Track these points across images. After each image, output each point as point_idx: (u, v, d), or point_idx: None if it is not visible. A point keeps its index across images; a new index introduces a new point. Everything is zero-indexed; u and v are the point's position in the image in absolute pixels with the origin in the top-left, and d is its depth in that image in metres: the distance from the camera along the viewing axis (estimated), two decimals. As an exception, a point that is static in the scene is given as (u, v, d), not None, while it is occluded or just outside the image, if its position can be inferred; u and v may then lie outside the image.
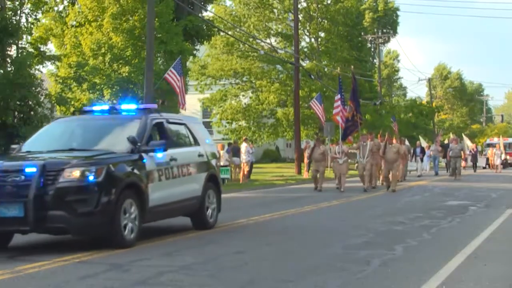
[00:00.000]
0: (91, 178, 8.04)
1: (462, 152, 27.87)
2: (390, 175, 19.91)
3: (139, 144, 8.91)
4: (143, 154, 8.91)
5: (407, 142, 35.86)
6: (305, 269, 7.01)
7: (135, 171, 8.71)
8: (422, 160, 32.14)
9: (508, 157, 49.49)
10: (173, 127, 10.30)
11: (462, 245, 8.59)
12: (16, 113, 21.64)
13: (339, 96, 25.97)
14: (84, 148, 9.14)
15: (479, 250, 8.35)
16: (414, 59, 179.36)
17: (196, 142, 10.55)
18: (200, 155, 10.36)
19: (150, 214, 8.97)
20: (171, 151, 9.48)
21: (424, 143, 38.57)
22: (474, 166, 39.20)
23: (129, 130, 9.26)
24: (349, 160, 21.39)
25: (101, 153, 8.75)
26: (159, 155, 9.13)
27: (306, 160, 27.59)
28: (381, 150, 19.55)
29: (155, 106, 12.09)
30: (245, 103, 41.23)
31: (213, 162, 10.89)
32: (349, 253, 8.04)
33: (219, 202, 10.80)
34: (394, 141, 24.76)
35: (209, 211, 10.44)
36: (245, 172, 25.06)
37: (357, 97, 24.35)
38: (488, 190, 20.13)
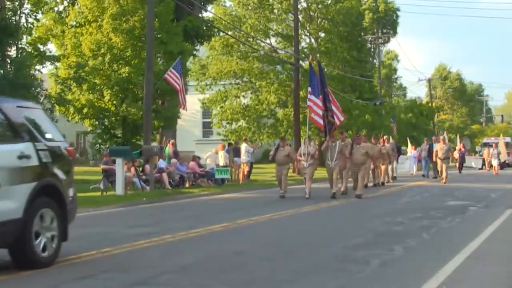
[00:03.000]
0: None
1: (450, 152, 24.88)
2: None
3: None
4: None
5: (391, 140, 35.56)
6: (305, 269, 7.01)
7: None
8: (397, 161, 29.73)
9: (505, 157, 48.46)
10: None
11: (462, 245, 8.60)
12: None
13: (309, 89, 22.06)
14: None
15: (479, 250, 8.35)
16: (414, 59, 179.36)
17: (19, 137, 7.09)
18: (22, 157, 6.90)
19: None
20: None
21: (409, 146, 36.58)
22: (460, 167, 37.27)
23: None
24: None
25: None
26: None
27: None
28: (347, 151, 17.63)
29: None
30: (244, 103, 41.26)
31: (56, 168, 7.45)
32: (348, 253, 8.05)
33: (63, 226, 7.41)
34: (373, 141, 23.38)
35: (41, 241, 6.97)
36: (245, 173, 25.06)
37: (325, 89, 21.17)
38: (488, 191, 20.15)
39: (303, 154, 17.53)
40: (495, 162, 36.24)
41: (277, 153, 17.81)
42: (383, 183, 23.46)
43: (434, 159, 25.16)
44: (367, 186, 21.29)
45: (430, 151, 27.85)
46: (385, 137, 27.49)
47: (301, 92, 32.48)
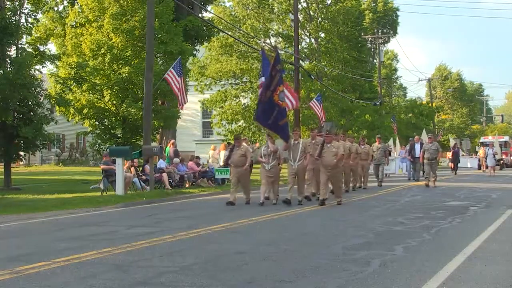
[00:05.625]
0: None
1: (438, 152, 22.52)
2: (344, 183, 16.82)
3: None
4: None
5: (390, 142, 34.94)
6: (305, 269, 7.00)
7: None
8: (387, 163, 27.01)
9: (503, 156, 46.66)
10: None
11: (463, 246, 8.60)
12: (16, 113, 21.67)
13: (263, 79, 17.58)
14: None
15: (479, 250, 8.34)
16: (415, 59, 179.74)
17: None
18: None
19: None
20: None
21: (398, 146, 34.81)
22: (455, 168, 35.23)
23: None
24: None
25: None
26: None
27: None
28: (317, 151, 15.19)
29: None
30: (244, 104, 41.26)
31: None
32: (349, 253, 8.03)
33: None
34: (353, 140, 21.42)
35: None
36: (245, 173, 24.99)
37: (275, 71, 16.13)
38: (488, 191, 20.14)
39: (264, 155, 15.55)
40: (491, 163, 33.83)
41: (232, 154, 15.83)
42: (358, 187, 21.12)
43: (421, 160, 23.07)
44: (349, 190, 19.89)
45: (411, 151, 26.57)
46: (377, 136, 26.40)
47: (301, 92, 32.48)
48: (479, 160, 41.37)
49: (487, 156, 34.87)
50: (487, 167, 35.02)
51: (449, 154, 39.19)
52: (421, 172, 25.93)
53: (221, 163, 23.61)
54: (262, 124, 16.71)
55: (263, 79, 17.10)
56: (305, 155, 15.44)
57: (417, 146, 26.08)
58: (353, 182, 20.84)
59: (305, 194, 16.01)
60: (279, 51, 41.44)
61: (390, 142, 35.84)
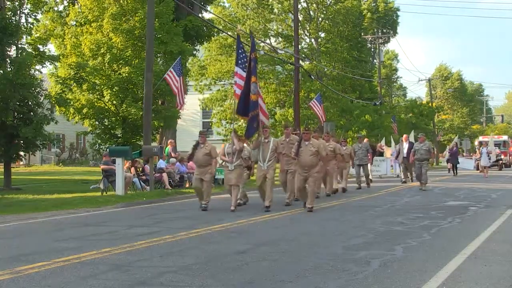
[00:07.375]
0: None
1: (430, 153, 21.00)
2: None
3: None
4: None
5: (383, 142, 34.62)
6: (305, 269, 7.00)
7: None
8: (371, 163, 25.64)
9: (503, 156, 46.05)
10: None
11: (462, 246, 8.60)
12: (16, 113, 21.67)
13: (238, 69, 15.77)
14: None
15: (479, 250, 8.34)
16: (415, 59, 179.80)
17: None
18: None
19: None
20: None
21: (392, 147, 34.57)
22: (454, 169, 33.97)
23: None
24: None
25: None
26: None
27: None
28: (294, 150, 13.58)
29: None
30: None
31: None
32: (349, 253, 8.03)
33: None
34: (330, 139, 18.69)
35: None
36: (245, 173, 24.97)
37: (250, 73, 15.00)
38: (488, 191, 20.14)
39: (227, 154, 14.04)
40: (485, 162, 32.21)
41: (196, 152, 14.13)
42: (336, 190, 18.95)
43: (411, 160, 21.37)
44: (319, 196, 17.32)
45: (399, 152, 25.39)
46: (361, 135, 25.64)
47: (301, 92, 32.46)
48: (476, 160, 40.04)
49: (481, 156, 33.40)
50: (481, 168, 33.45)
51: (447, 155, 38.72)
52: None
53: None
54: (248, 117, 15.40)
55: (238, 69, 15.65)
56: (276, 154, 14.16)
57: (405, 145, 24.71)
58: (328, 186, 18.40)
59: (286, 201, 14.94)
60: (279, 52, 41.28)
61: (383, 142, 35.53)
